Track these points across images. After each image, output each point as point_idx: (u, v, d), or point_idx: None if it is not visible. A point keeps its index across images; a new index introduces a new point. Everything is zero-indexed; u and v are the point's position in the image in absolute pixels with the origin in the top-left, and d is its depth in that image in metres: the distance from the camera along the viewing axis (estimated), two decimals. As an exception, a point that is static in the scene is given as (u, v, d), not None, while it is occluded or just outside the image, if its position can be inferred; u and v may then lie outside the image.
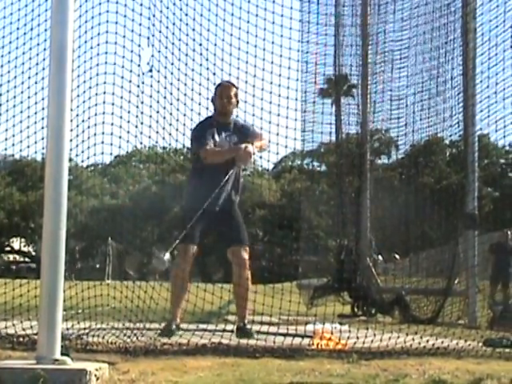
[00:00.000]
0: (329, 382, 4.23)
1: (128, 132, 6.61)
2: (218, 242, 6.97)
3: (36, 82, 6.78)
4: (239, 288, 6.56)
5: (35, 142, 6.76)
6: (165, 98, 6.77)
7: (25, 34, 7.02)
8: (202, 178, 6.62)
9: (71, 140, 6.21)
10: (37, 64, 6.84)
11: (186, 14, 6.92)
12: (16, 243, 52.08)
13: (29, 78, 6.89)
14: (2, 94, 7.04)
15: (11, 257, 53.42)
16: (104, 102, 6.48)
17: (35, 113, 6.73)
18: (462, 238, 10.01)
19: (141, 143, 7.01)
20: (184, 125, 7.12)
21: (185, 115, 7.04)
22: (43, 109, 6.32)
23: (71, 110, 4.67)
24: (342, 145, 11.70)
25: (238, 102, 6.83)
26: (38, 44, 6.88)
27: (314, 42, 10.65)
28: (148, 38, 6.72)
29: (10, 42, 7.12)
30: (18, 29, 7.09)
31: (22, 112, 6.90)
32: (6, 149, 7.21)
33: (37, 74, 6.82)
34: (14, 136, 6.94)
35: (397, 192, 13.33)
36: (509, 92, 8.42)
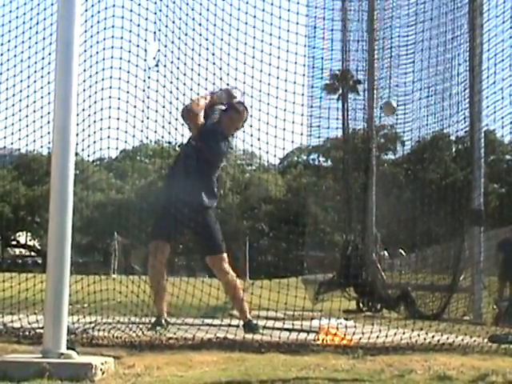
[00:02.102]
0: (334, 378, 4.23)
1: (134, 127, 6.61)
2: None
3: (42, 76, 6.77)
4: (227, 293, 6.77)
5: (41, 137, 6.76)
6: (171, 92, 6.74)
7: (31, 28, 7.01)
8: (173, 175, 6.87)
9: (77, 134, 6.20)
10: (43, 58, 6.83)
11: (193, 9, 6.90)
12: (22, 237, 52.19)
13: (35, 71, 6.89)
14: (8, 88, 7.03)
15: (17, 251, 53.55)
16: (110, 97, 6.47)
17: (41, 107, 6.72)
18: (468, 235, 10.00)
19: (147, 138, 7.01)
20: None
21: (191, 110, 7.00)
22: (49, 103, 6.32)
23: (77, 104, 4.67)
24: (348, 140, 11.70)
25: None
26: (44, 38, 6.87)
27: (321, 38, 10.63)
28: (154, 33, 6.70)
29: (16, 36, 7.12)
30: (24, 23, 7.08)
31: (28, 106, 6.89)
32: (12, 143, 7.20)
33: (43, 68, 6.81)
34: (20, 130, 6.94)
35: (402, 188, 13.31)
36: (515, 88, 8.40)
